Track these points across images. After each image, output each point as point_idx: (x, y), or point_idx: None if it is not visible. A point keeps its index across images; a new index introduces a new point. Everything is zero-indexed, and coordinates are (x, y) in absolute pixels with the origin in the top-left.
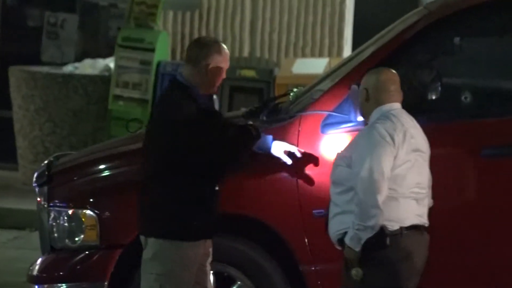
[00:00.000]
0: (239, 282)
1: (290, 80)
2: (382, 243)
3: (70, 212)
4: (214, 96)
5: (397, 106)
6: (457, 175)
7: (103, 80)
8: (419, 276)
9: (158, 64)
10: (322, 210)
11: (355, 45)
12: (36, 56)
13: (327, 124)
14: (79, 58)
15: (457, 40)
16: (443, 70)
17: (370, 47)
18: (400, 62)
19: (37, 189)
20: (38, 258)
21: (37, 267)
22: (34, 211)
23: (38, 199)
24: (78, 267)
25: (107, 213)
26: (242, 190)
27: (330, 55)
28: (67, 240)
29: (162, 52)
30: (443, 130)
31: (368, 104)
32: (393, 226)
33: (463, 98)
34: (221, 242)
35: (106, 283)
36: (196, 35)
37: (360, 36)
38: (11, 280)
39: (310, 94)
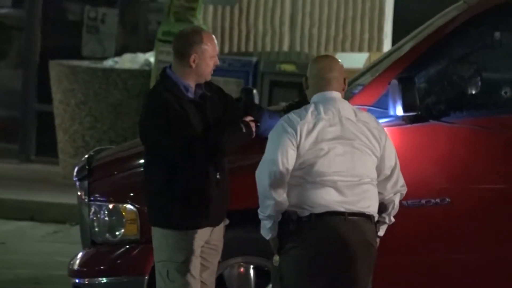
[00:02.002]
0: None
1: None
2: (289, 230)
3: (110, 206)
4: (254, 90)
5: (329, 94)
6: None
7: (143, 74)
8: (349, 262)
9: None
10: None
11: (395, 39)
12: (77, 51)
13: None
14: (119, 53)
15: (497, 34)
16: (483, 65)
17: (409, 42)
18: (440, 56)
19: (77, 183)
20: (79, 252)
21: (77, 261)
22: (74, 205)
23: (79, 193)
24: (118, 261)
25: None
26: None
27: (370, 49)
28: (107, 234)
29: None
30: (481, 125)
31: (308, 92)
32: (303, 213)
33: (503, 92)
34: (260, 237)
35: (146, 277)
36: (236, 29)
37: (400, 30)
38: (50, 273)
39: (350, 88)
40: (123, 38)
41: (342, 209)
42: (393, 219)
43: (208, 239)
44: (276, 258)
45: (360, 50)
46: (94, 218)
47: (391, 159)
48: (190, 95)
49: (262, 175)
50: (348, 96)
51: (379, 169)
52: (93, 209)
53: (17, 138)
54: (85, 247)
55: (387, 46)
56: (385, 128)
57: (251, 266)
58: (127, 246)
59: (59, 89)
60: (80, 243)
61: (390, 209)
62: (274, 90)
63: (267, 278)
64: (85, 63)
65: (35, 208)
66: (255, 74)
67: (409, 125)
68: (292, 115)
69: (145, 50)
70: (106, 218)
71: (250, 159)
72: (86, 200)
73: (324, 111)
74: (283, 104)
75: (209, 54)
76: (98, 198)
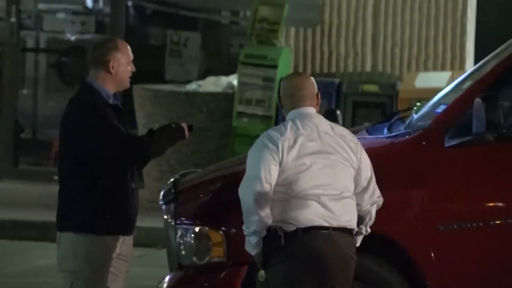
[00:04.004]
0: None
1: (413, 94)
2: (276, 245)
3: (197, 229)
4: (338, 111)
5: (305, 110)
6: None
7: (226, 97)
8: (337, 280)
9: (281, 81)
10: (448, 224)
11: (477, 58)
12: (160, 75)
13: (451, 138)
14: (202, 76)
15: None
16: None
17: (492, 60)
18: None
19: (163, 207)
20: (166, 276)
21: (165, 285)
22: (160, 229)
23: (165, 216)
24: (206, 284)
25: (233, 230)
26: None
27: (452, 68)
28: (194, 258)
29: (285, 69)
30: None
31: (284, 111)
32: (289, 228)
33: None
34: None
35: None
36: (318, 51)
37: (482, 48)
38: None
39: (433, 107)
40: (206, 61)
41: (326, 224)
42: (369, 230)
43: (120, 250)
44: (261, 273)
45: (443, 69)
46: (181, 241)
47: (367, 170)
48: (111, 101)
49: (246, 191)
50: (431, 116)
51: (356, 181)
52: (179, 233)
53: None
54: (172, 270)
55: (469, 64)
56: (471, 148)
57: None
58: (214, 269)
59: (143, 113)
60: (167, 266)
61: (367, 220)
62: (357, 110)
63: None
64: (168, 87)
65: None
66: (338, 95)
67: (493, 144)
68: (271, 131)
69: (228, 73)
70: (193, 241)
71: None
72: (172, 223)
73: (302, 127)
74: (367, 125)
75: (125, 60)
76: (185, 222)
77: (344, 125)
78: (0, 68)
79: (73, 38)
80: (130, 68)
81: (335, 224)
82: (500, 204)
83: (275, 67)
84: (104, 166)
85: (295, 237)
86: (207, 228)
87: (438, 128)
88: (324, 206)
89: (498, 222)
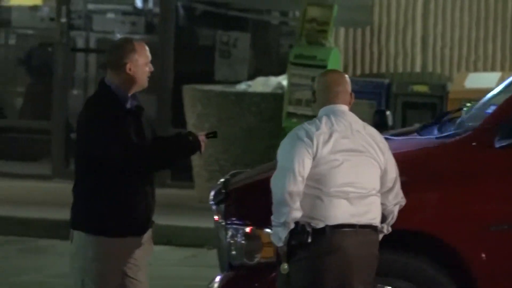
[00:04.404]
0: None
1: (463, 94)
2: (303, 241)
3: (247, 229)
4: (388, 112)
5: (338, 107)
6: None
7: (275, 97)
8: (360, 277)
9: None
10: (499, 225)
11: None
12: (210, 75)
13: (502, 139)
14: (251, 76)
15: None
16: None
17: None
18: None
19: (214, 207)
20: (217, 276)
21: (216, 285)
22: (211, 229)
23: (216, 217)
24: (256, 284)
25: None
26: (418, 206)
27: (502, 69)
28: (244, 258)
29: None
30: None
31: (315, 105)
32: (318, 224)
33: None
34: (395, 258)
35: None
36: (367, 51)
37: None
38: None
39: (484, 108)
40: (255, 61)
41: (354, 222)
42: (390, 229)
43: (131, 253)
44: (285, 266)
45: (493, 69)
46: (231, 241)
47: (393, 171)
48: (128, 105)
49: (278, 183)
50: (482, 116)
51: (382, 181)
52: (230, 233)
53: None
54: (223, 270)
55: None
56: None
57: None
58: (265, 269)
59: (193, 114)
60: (217, 266)
61: (389, 219)
62: (407, 111)
63: None
64: (218, 87)
65: (171, 232)
66: (388, 96)
67: None
68: (306, 125)
69: (277, 73)
70: (243, 242)
71: None
72: (223, 223)
73: (336, 123)
74: (417, 125)
75: (143, 61)
76: (235, 222)
77: (394, 126)
78: (51, 68)
79: None
80: (148, 68)
81: (362, 221)
82: None
83: (324, 67)
84: (113, 170)
85: (323, 235)
86: (257, 228)
87: (488, 128)
88: (352, 203)
89: None
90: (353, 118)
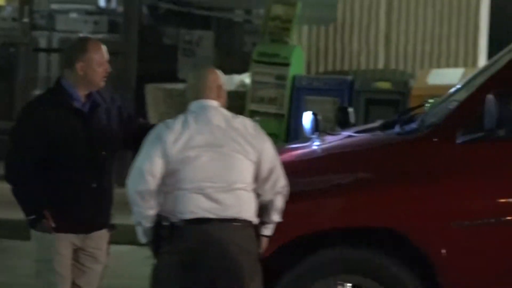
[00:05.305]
0: None
1: (425, 91)
2: (163, 236)
3: None
4: (350, 109)
5: (203, 102)
6: None
7: (239, 95)
8: (227, 272)
9: (294, 79)
10: (460, 221)
11: (490, 54)
12: (173, 74)
13: (463, 135)
14: None
15: None
16: None
17: (505, 56)
18: None
19: None
20: None
21: None
22: None
23: None
24: None
25: None
26: (379, 202)
27: (465, 65)
28: None
29: (297, 67)
30: None
31: (187, 102)
32: (173, 219)
33: None
34: (356, 255)
35: None
36: (331, 49)
37: (495, 45)
38: None
39: (446, 104)
40: (219, 60)
41: (211, 216)
42: (277, 219)
43: (83, 246)
44: (154, 261)
45: (456, 65)
46: None
47: (268, 162)
48: (77, 103)
49: (130, 182)
50: (444, 113)
51: (257, 173)
52: None
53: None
54: None
55: (482, 61)
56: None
57: (349, 285)
58: None
59: (156, 113)
60: None
61: (270, 209)
62: (370, 108)
63: None
64: (181, 86)
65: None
66: (351, 93)
67: (505, 141)
68: (161, 124)
69: (241, 71)
70: None
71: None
72: None
73: (194, 120)
74: (379, 122)
75: (96, 62)
76: None
77: (356, 122)
78: (13, 68)
79: None
80: (103, 68)
81: (222, 215)
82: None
83: (287, 65)
84: (52, 167)
85: (178, 229)
86: None
87: (450, 125)
88: (209, 198)
89: (510, 218)
90: (214, 113)
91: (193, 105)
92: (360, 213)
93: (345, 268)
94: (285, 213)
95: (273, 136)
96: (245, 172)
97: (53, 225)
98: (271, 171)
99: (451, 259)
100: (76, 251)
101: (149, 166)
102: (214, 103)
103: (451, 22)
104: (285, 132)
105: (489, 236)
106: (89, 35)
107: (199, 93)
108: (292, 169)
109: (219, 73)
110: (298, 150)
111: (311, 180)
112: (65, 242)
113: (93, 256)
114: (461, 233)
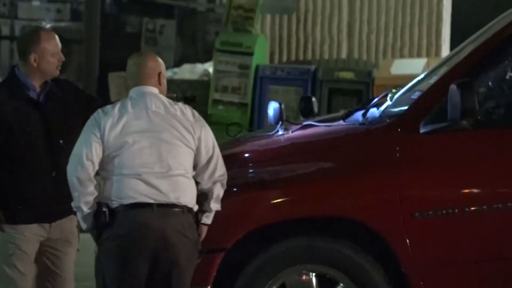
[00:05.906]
0: (341, 284)
1: (388, 81)
2: (103, 221)
3: None
4: (313, 98)
5: (141, 89)
6: None
7: (202, 84)
8: (160, 253)
9: (257, 68)
10: (423, 211)
11: (453, 44)
12: None
13: (426, 124)
14: (178, 63)
15: None
16: None
17: (468, 47)
18: (499, 61)
19: None
20: None
21: None
22: None
23: None
24: None
25: None
26: (342, 191)
27: (428, 55)
28: None
29: (261, 56)
30: None
31: (127, 89)
32: (113, 205)
33: None
34: (322, 244)
35: (208, 287)
36: (293, 38)
37: (458, 35)
38: None
39: (409, 94)
40: (182, 49)
41: (150, 201)
42: (215, 207)
43: (51, 235)
44: (95, 249)
45: (419, 56)
46: None
47: (208, 150)
48: (32, 93)
49: (69, 168)
50: (406, 102)
51: (196, 160)
52: None
53: None
54: None
55: (445, 51)
56: (446, 134)
57: (314, 274)
58: None
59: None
60: None
61: (209, 197)
62: (333, 97)
63: (329, 285)
64: None
65: None
66: (314, 82)
67: (469, 131)
68: (99, 110)
69: (204, 60)
70: None
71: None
72: None
73: (131, 106)
74: (342, 112)
75: (49, 52)
76: None
77: (319, 112)
78: None
79: (48, 25)
80: (57, 58)
81: (161, 200)
82: (475, 191)
83: (251, 54)
84: (9, 158)
85: (118, 214)
86: None
87: (413, 114)
88: (147, 183)
89: (473, 209)
90: (153, 99)
91: (132, 91)
92: (319, 202)
93: (310, 257)
94: (251, 201)
95: (236, 125)
96: (184, 159)
97: (3, 221)
98: (209, 159)
99: (413, 249)
100: (46, 242)
101: (87, 152)
102: (153, 89)
103: (414, 12)
104: (248, 121)
105: (452, 226)
106: (52, 23)
107: (139, 80)
108: (255, 158)
109: (160, 60)
110: (261, 139)
111: (273, 169)
112: (28, 236)
113: (66, 240)
114: (423, 223)
